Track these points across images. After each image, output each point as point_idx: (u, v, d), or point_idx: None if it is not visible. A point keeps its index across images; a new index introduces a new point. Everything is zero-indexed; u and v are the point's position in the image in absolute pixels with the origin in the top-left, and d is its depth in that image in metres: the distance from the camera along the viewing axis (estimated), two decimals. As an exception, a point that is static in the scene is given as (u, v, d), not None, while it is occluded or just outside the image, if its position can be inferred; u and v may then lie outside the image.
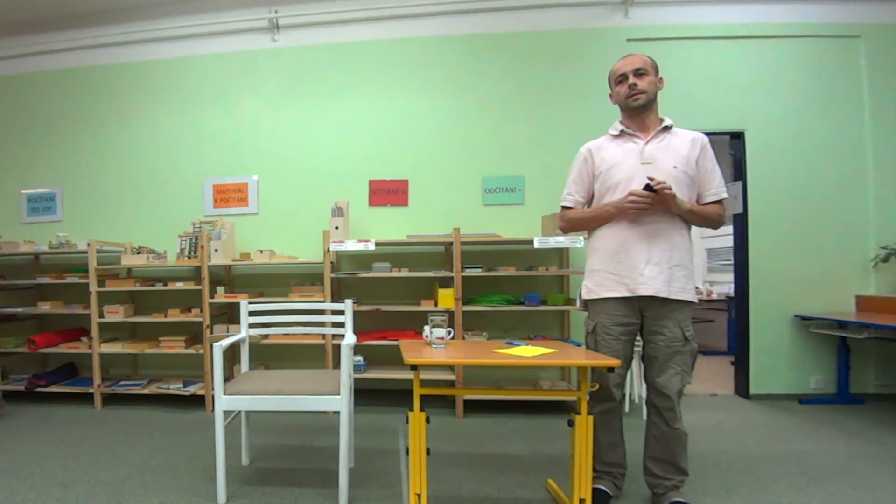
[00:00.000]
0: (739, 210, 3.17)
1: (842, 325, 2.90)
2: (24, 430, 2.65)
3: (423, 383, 1.59)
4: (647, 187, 1.54)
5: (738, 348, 3.28)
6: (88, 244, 3.05)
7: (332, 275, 2.91)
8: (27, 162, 3.60)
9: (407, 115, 3.29)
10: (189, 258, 3.08)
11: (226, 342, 1.88)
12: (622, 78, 1.68)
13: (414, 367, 1.52)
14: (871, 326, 2.68)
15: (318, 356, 3.06)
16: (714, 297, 5.23)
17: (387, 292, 3.23)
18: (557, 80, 3.22)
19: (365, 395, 3.00)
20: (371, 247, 2.84)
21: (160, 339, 3.10)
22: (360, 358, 2.91)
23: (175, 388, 3.04)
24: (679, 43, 3.16)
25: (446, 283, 2.89)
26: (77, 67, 3.55)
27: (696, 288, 1.62)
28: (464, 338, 2.86)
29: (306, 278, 3.19)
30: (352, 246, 2.85)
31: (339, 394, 1.76)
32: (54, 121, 3.57)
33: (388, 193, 3.30)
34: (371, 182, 3.30)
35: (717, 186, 1.66)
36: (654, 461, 1.70)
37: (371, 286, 3.23)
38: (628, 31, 3.17)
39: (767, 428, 2.60)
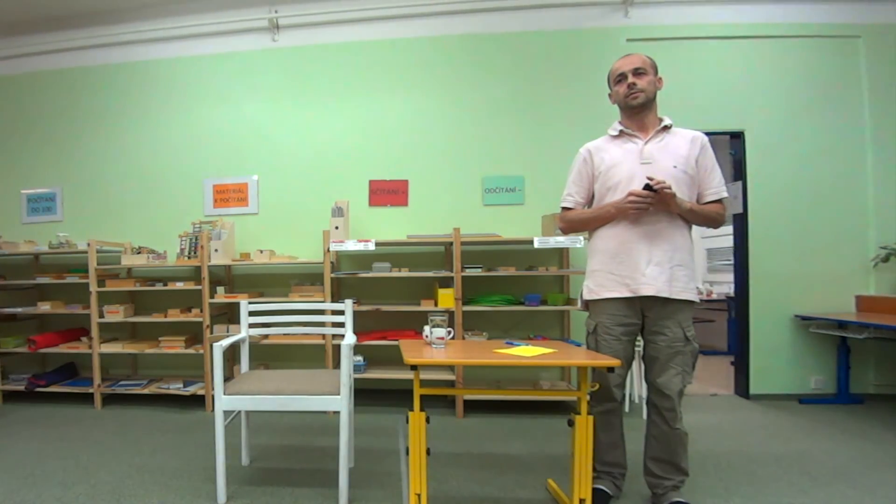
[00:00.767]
0: (739, 210, 3.17)
1: (842, 325, 2.90)
2: (24, 430, 2.65)
3: (423, 383, 1.59)
4: (647, 187, 1.54)
5: (738, 348, 3.28)
6: (88, 244, 3.05)
7: (332, 275, 2.91)
8: (27, 162, 3.60)
9: (407, 115, 3.29)
10: (189, 258, 3.08)
11: (226, 342, 1.88)
12: (621, 77, 1.68)
13: (414, 367, 1.52)
14: (871, 326, 2.68)
15: (318, 356, 3.06)
16: (714, 297, 5.22)
17: (387, 292, 3.23)
18: (557, 80, 3.22)
19: (365, 395, 3.00)
20: (371, 247, 2.84)
21: (160, 339, 3.10)
22: (360, 358, 2.91)
23: (175, 388, 3.04)
24: (679, 43, 3.16)
25: (446, 283, 2.89)
26: (76, 67, 3.55)
27: (697, 288, 1.61)
28: (464, 338, 2.86)
29: (306, 278, 3.19)
30: (352, 246, 2.85)
31: (339, 394, 1.76)
32: (54, 121, 3.57)
33: (388, 193, 3.30)
34: (371, 182, 3.30)
35: (716, 186, 1.66)
36: (655, 461, 1.70)
37: (371, 286, 3.23)
38: (628, 31, 3.18)
39: (767, 428, 2.60)
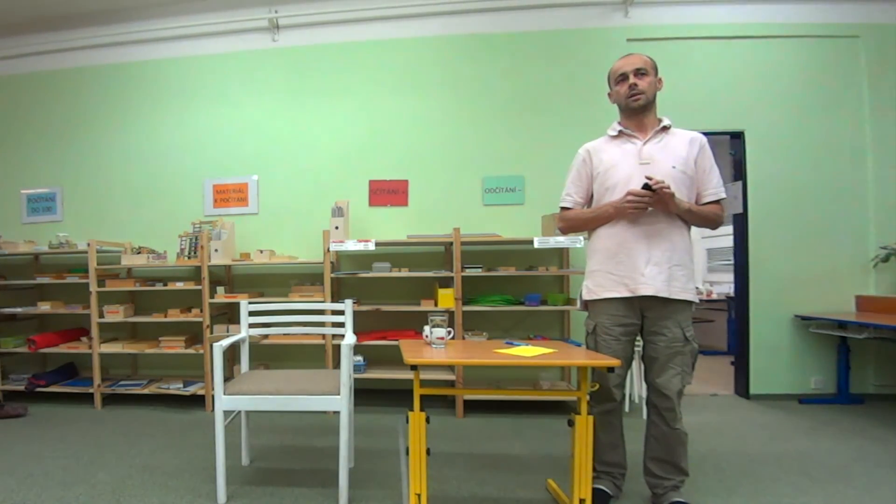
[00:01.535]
0: (739, 210, 3.17)
1: (842, 325, 2.90)
2: (24, 430, 2.65)
3: (423, 383, 1.59)
4: (646, 187, 1.54)
5: (737, 348, 3.28)
6: (88, 244, 3.05)
7: (332, 275, 2.91)
8: (27, 162, 3.60)
9: (407, 115, 3.29)
10: (189, 258, 3.08)
11: (226, 342, 1.89)
12: (622, 77, 1.68)
13: (414, 367, 1.52)
14: (870, 326, 2.68)
15: (318, 356, 3.06)
16: (714, 297, 5.23)
17: (387, 292, 3.23)
18: (557, 80, 3.22)
19: (365, 395, 3.00)
20: (371, 247, 2.84)
21: (160, 339, 3.10)
22: (360, 358, 2.92)
23: (175, 388, 3.04)
24: (679, 43, 3.16)
25: (446, 283, 2.89)
26: (77, 67, 3.55)
27: (696, 288, 1.61)
28: (464, 338, 2.86)
29: (306, 278, 3.19)
30: (352, 246, 2.85)
31: (339, 394, 1.76)
32: (54, 121, 3.57)
33: (388, 193, 3.30)
34: (371, 182, 3.30)
35: (715, 186, 1.66)
36: (655, 461, 1.70)
37: (371, 286, 3.23)
38: (628, 31, 3.17)
39: (767, 428, 2.60)
